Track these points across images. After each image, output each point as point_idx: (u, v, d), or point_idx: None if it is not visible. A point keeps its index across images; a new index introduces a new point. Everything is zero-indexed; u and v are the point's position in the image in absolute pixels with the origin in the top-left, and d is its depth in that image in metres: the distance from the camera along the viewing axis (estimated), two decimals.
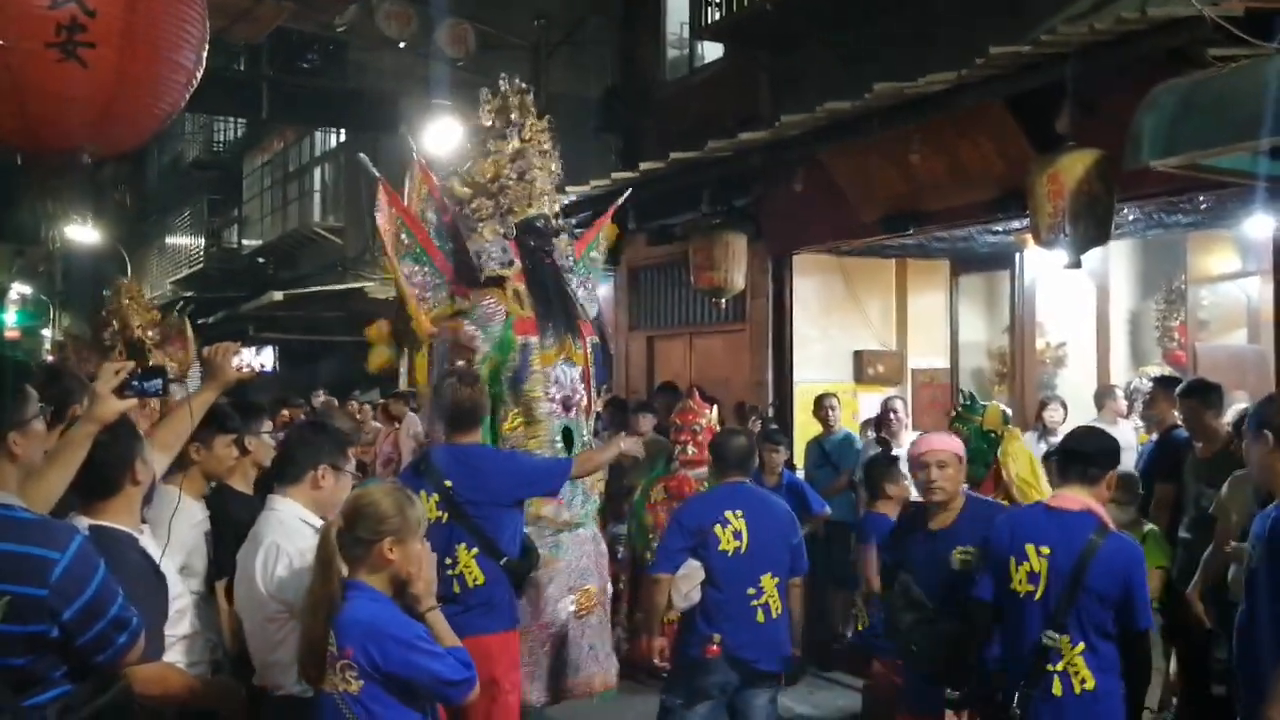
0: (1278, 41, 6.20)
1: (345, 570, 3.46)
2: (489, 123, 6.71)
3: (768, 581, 5.46)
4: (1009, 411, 6.05)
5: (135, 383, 3.52)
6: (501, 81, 6.80)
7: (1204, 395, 6.77)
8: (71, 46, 5.21)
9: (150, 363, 8.11)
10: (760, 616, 5.43)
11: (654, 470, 8.26)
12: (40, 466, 3.21)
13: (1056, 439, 7.48)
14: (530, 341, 6.41)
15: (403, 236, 6.41)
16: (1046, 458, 5.96)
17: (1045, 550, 4.23)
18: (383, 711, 3.37)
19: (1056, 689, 4.18)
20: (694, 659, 5.47)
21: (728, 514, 5.50)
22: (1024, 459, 5.24)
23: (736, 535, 5.47)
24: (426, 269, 6.47)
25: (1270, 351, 8.79)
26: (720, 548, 5.45)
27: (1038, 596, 4.25)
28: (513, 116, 6.68)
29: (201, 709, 3.76)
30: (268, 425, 5.16)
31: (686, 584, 5.41)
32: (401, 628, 3.42)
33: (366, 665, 3.33)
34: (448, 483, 5.33)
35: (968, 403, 5.53)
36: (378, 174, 6.40)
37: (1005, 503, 5.29)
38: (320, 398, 15.20)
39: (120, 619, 2.99)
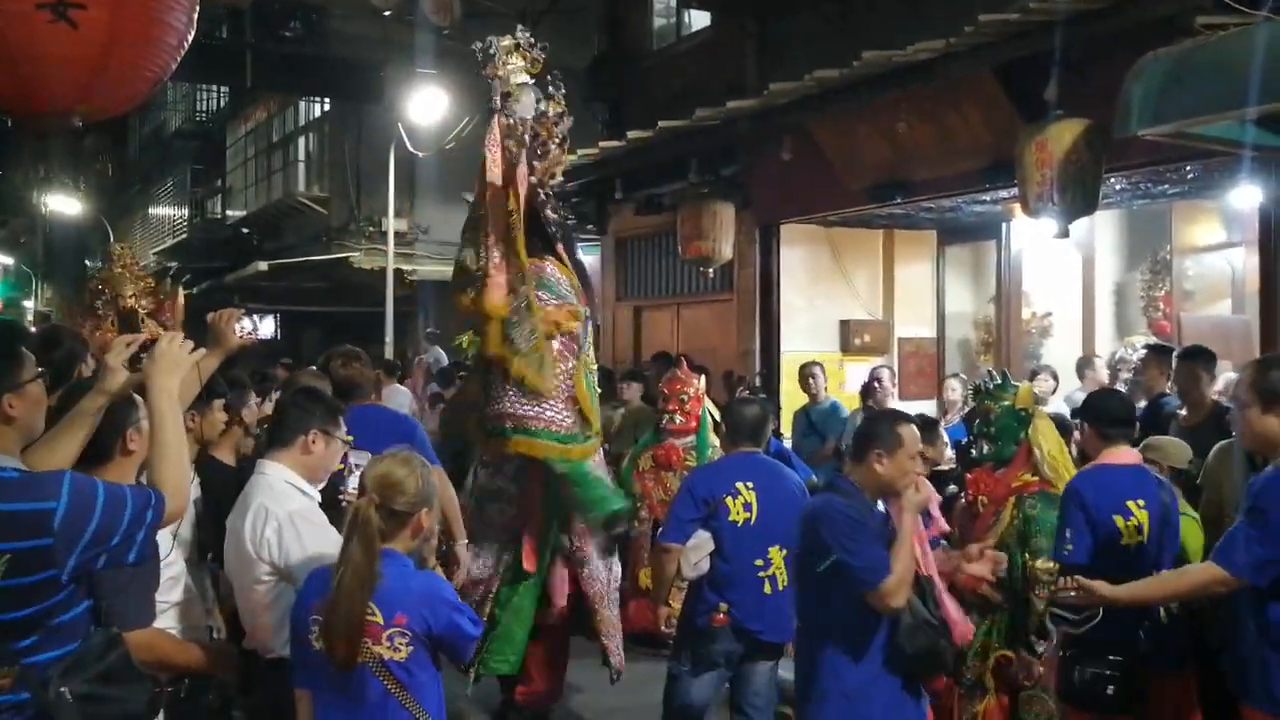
0: (1266, 9, 6.20)
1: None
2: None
3: (775, 554, 5.43)
4: (1038, 392, 6.17)
5: (145, 356, 3.52)
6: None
7: (1203, 360, 6.83)
8: (62, 8, 5.19)
9: (143, 332, 8.09)
10: (767, 588, 5.42)
11: (642, 439, 8.26)
12: (51, 435, 3.21)
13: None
14: (585, 309, 6.46)
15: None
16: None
17: (1141, 503, 4.77)
18: (421, 673, 3.44)
19: (1164, 616, 4.83)
20: (700, 628, 5.47)
21: (739, 485, 5.47)
22: (1053, 437, 5.39)
23: (747, 507, 5.44)
24: None
25: (1255, 322, 8.82)
26: (730, 519, 5.42)
27: (1144, 545, 4.75)
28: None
29: (196, 673, 3.79)
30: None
31: (696, 554, 5.39)
32: (445, 589, 3.54)
33: (420, 630, 3.39)
34: (350, 437, 5.34)
35: (999, 382, 5.55)
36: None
37: (1033, 478, 5.30)
38: (280, 371, 14.69)
39: (135, 518, 2.94)
